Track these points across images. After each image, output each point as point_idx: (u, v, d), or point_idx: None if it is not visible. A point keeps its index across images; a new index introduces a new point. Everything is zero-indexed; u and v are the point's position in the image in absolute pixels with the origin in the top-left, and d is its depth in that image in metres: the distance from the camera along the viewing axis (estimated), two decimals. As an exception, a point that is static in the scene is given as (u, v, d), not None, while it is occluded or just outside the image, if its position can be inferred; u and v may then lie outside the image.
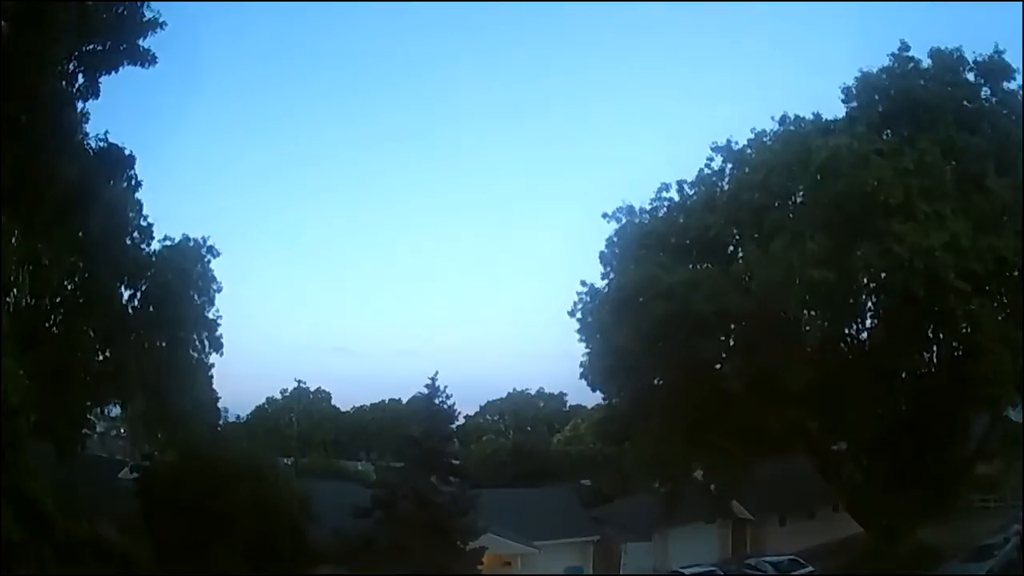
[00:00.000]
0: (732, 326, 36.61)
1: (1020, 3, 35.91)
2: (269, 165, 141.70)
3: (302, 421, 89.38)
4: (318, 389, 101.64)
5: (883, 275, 34.14)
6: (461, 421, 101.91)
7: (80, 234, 27.40)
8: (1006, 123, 36.30)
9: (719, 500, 49.40)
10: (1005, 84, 37.26)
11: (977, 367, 33.31)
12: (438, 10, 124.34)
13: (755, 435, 37.92)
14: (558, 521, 48.46)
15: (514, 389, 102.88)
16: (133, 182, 30.30)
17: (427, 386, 39.20)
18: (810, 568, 41.56)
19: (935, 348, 38.70)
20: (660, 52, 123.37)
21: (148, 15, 20.44)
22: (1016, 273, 34.73)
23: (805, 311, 35.80)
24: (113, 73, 21.03)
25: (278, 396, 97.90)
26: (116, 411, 40.05)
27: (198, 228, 42.20)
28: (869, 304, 38.43)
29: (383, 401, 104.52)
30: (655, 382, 39.50)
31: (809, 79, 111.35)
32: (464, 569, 36.26)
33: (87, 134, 24.90)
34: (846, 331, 38.33)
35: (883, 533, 40.06)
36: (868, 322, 38.86)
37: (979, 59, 37.20)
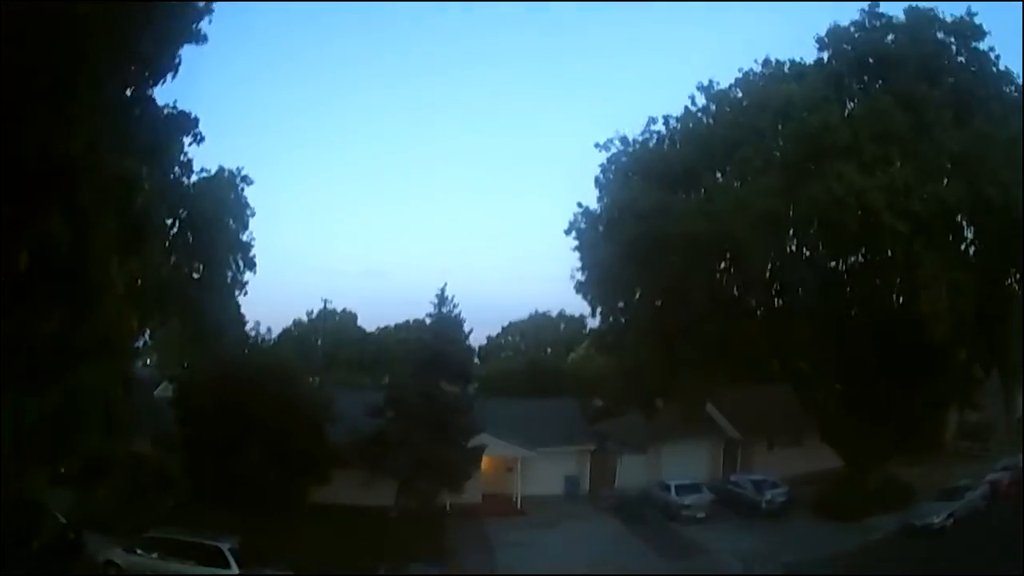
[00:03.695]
0: (695, 249, 38.03)
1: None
2: (306, 98, 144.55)
3: (326, 342, 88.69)
4: (344, 310, 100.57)
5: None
6: (483, 341, 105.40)
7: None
8: (969, 78, 37.72)
9: (708, 421, 50.65)
10: (973, 44, 38.34)
11: (914, 307, 34.55)
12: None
13: (720, 351, 40.30)
14: (559, 430, 50.09)
15: (535, 311, 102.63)
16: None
17: (437, 296, 41.34)
18: (785, 488, 43.21)
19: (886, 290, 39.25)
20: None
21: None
22: (960, 219, 35.81)
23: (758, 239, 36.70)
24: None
25: (304, 319, 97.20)
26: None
27: (237, 160, 44.00)
28: (817, 240, 39.09)
29: (407, 322, 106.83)
30: (634, 296, 41.87)
31: (806, 24, 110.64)
32: (465, 465, 38.87)
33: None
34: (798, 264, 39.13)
35: (855, 464, 41.44)
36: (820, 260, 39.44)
37: (950, 19, 38.35)
